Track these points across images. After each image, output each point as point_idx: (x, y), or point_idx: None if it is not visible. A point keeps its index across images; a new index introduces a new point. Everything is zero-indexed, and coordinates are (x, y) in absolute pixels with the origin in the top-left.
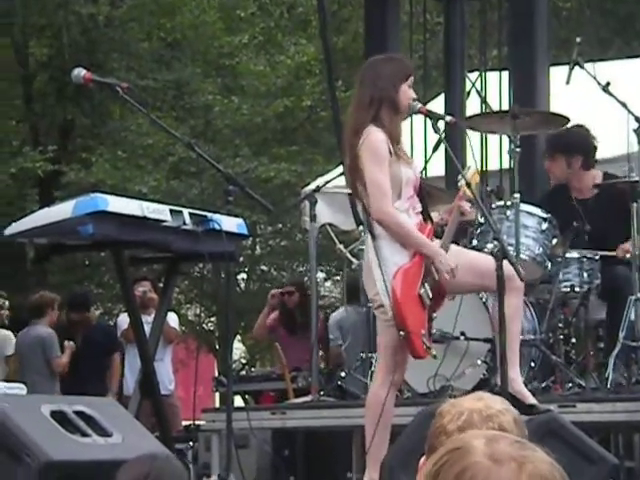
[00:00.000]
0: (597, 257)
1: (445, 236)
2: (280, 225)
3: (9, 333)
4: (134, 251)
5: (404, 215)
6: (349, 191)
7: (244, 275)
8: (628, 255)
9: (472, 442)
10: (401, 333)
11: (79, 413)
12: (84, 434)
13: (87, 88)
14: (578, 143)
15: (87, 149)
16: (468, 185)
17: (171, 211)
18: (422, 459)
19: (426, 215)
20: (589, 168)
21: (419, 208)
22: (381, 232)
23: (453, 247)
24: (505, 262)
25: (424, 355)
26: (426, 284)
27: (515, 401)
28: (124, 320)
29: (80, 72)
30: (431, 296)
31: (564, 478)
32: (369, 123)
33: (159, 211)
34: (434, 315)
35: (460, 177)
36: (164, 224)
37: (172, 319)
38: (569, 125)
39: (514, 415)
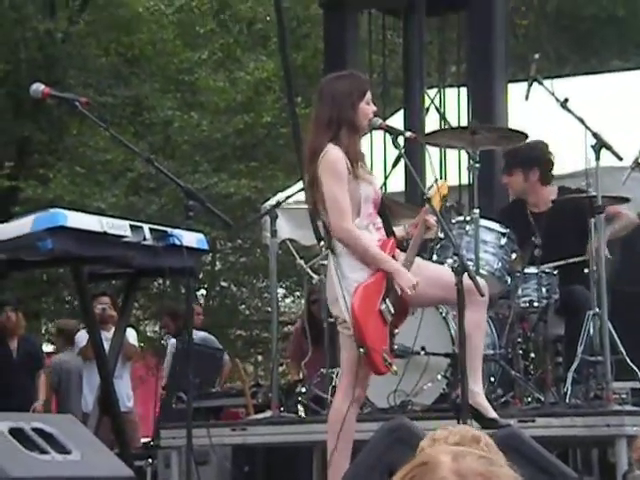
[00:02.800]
0: (555, 272)
1: (409, 250)
2: (240, 241)
3: None
4: (93, 267)
5: (364, 232)
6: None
7: (204, 291)
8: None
9: (439, 457)
10: (361, 350)
11: (37, 430)
12: (43, 451)
13: (45, 104)
14: (535, 156)
15: (45, 165)
16: (429, 200)
17: (131, 226)
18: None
19: (388, 230)
20: (546, 183)
21: (379, 224)
22: (341, 249)
23: (416, 259)
24: (466, 277)
25: (385, 371)
26: (387, 300)
27: (477, 414)
28: (82, 337)
29: (39, 87)
30: (393, 312)
31: None
32: (327, 143)
33: (119, 226)
34: (396, 331)
35: (428, 189)
36: (124, 239)
37: (131, 335)
38: (527, 140)
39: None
